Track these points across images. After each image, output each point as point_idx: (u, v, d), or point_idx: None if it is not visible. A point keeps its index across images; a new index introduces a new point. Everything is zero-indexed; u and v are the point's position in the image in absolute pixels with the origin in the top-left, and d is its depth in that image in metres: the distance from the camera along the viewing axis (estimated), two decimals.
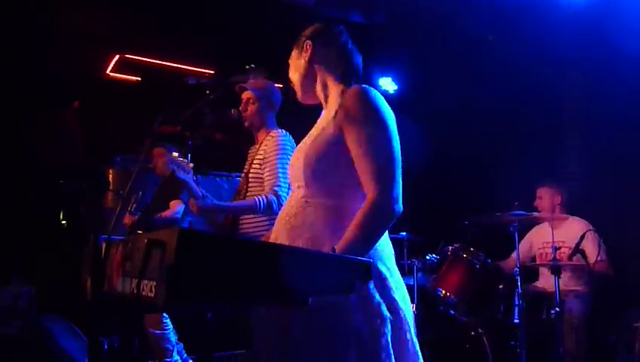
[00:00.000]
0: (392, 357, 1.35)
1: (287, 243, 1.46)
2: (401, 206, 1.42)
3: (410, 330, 1.48)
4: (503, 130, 4.50)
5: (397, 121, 1.52)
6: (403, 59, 4.96)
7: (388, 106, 1.52)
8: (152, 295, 1.02)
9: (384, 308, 1.37)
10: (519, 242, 3.43)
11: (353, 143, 1.44)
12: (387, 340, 1.36)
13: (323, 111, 1.70)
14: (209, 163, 5.33)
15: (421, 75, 4.97)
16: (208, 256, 0.98)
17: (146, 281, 1.06)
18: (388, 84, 5.06)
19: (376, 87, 5.23)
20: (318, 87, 1.67)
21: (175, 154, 2.65)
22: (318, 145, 1.50)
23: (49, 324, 3.59)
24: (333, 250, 1.33)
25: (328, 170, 1.48)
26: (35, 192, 4.73)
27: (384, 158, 1.42)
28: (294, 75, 1.72)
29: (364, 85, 1.55)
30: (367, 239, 1.38)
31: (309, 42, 1.68)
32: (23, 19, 4.31)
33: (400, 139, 1.50)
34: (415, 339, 1.49)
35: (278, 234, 1.53)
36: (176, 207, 3.70)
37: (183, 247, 0.96)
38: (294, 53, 1.73)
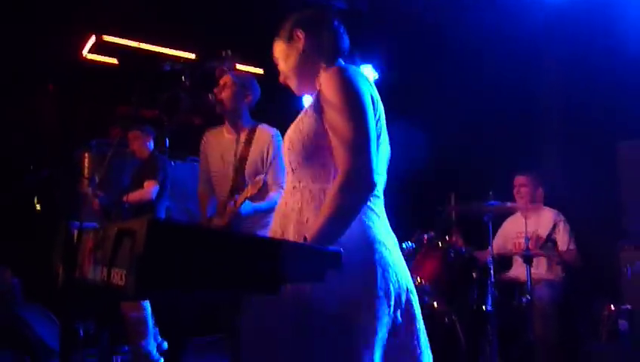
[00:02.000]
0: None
1: (281, 232, 1.47)
2: (377, 177, 1.40)
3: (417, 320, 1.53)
4: (481, 118, 4.55)
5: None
6: (384, 47, 4.95)
7: (365, 81, 1.50)
8: (122, 283, 1.03)
9: (398, 313, 1.44)
10: (494, 232, 3.49)
11: (328, 122, 1.44)
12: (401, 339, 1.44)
13: None
14: (187, 148, 5.29)
15: (402, 63, 4.97)
16: (177, 245, 0.99)
17: (116, 269, 1.06)
18: (369, 71, 5.05)
19: None
20: (311, 79, 1.64)
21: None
22: (300, 129, 1.50)
23: (24, 312, 3.56)
24: (304, 238, 1.32)
25: (311, 153, 1.47)
26: (8, 178, 4.64)
27: (356, 132, 1.39)
28: (286, 67, 1.65)
29: (341, 65, 1.55)
30: (336, 218, 1.35)
31: (301, 31, 1.63)
32: None
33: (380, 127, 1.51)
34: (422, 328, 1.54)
35: (275, 224, 1.53)
36: (151, 187, 3.65)
37: (153, 237, 0.96)
38: (282, 43, 1.65)
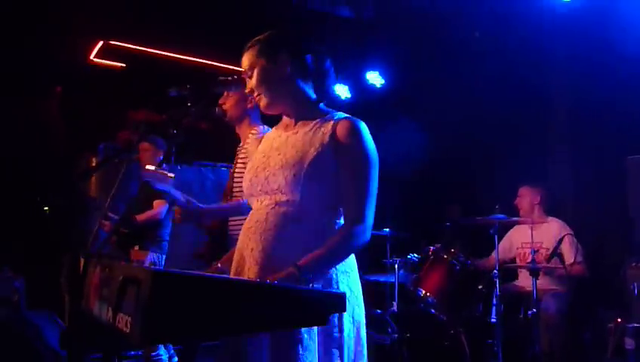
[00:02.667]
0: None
1: (261, 248, 1.53)
2: (370, 235, 1.56)
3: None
4: (489, 128, 4.53)
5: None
6: (391, 54, 4.93)
7: (372, 140, 1.62)
8: (128, 331, 1.03)
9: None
10: (499, 241, 3.48)
11: (346, 172, 1.55)
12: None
13: (290, 124, 1.70)
14: (194, 152, 5.31)
15: (408, 70, 4.96)
16: (182, 295, 0.99)
17: (121, 315, 1.07)
18: (375, 78, 5.04)
19: (364, 81, 5.23)
20: (290, 101, 1.67)
21: (151, 167, 2.58)
22: (303, 157, 1.55)
23: (34, 318, 3.58)
24: (297, 266, 1.39)
25: (308, 182, 1.53)
26: (17, 181, 4.68)
27: (370, 193, 1.55)
28: (262, 86, 1.66)
29: (356, 118, 1.63)
30: (336, 258, 1.52)
31: (287, 56, 1.64)
32: (3, 4, 4.19)
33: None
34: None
35: (247, 241, 1.58)
36: (160, 207, 3.66)
37: (158, 288, 0.97)
38: (261, 59, 1.65)
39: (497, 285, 3.28)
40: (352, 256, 1.61)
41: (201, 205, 2.57)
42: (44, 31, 4.48)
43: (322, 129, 1.60)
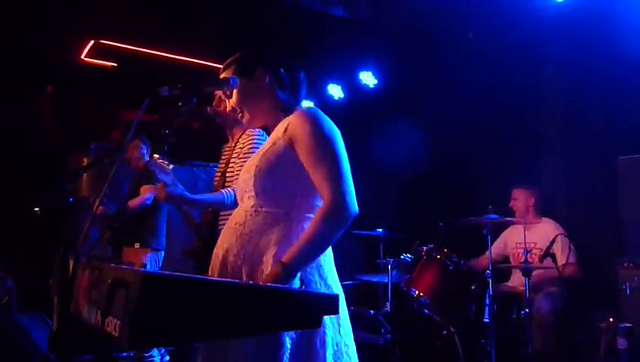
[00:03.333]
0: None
1: (236, 251, 1.55)
2: (356, 206, 1.53)
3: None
4: (482, 128, 4.53)
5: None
6: (384, 54, 4.93)
7: (331, 122, 1.63)
8: (117, 334, 1.01)
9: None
10: (493, 242, 3.48)
11: (305, 157, 1.56)
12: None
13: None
14: (186, 152, 5.28)
15: (402, 70, 4.95)
16: (171, 298, 0.98)
17: (110, 318, 1.05)
18: (368, 78, 5.03)
19: (357, 81, 5.22)
20: (271, 113, 1.73)
21: (156, 156, 2.62)
22: (269, 157, 1.59)
23: (24, 320, 3.54)
24: (280, 263, 1.39)
25: (278, 181, 1.57)
26: (7, 180, 4.63)
27: (335, 169, 1.54)
28: (243, 102, 1.73)
29: (312, 107, 1.67)
30: (320, 242, 1.49)
31: (262, 70, 1.71)
32: None
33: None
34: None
35: (226, 242, 1.59)
36: (147, 193, 3.64)
37: (146, 291, 0.95)
38: (240, 80, 1.71)
39: (490, 285, 3.28)
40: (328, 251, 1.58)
41: (186, 193, 2.56)
42: (35, 30, 4.43)
43: (280, 126, 1.65)
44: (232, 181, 2.76)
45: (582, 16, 3.78)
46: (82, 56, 4.94)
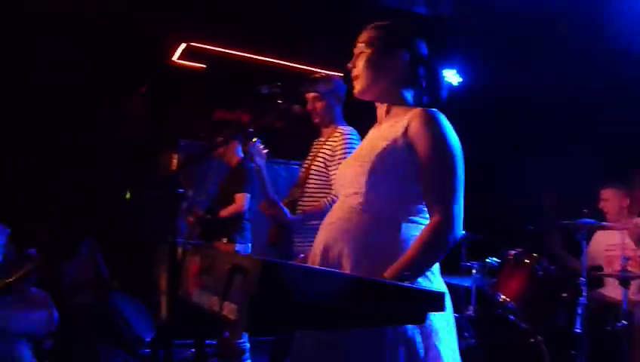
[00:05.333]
0: None
1: (339, 247, 1.52)
2: (462, 229, 1.48)
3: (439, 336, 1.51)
4: (574, 127, 4.30)
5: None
6: (468, 52, 4.80)
7: (453, 131, 1.56)
8: (234, 318, 1.06)
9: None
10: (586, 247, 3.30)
11: (425, 166, 1.49)
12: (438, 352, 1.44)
13: (380, 121, 1.70)
14: (267, 150, 5.42)
15: (487, 68, 4.80)
16: (289, 285, 1.01)
17: (227, 303, 1.10)
18: (452, 76, 4.92)
19: None
20: (384, 95, 1.66)
21: (255, 139, 2.77)
22: (385, 157, 1.53)
23: (119, 301, 3.80)
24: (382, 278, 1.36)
25: (390, 182, 1.52)
26: (104, 172, 4.97)
27: (453, 186, 1.47)
28: (366, 68, 1.64)
29: (435, 110, 1.58)
30: (425, 261, 1.45)
31: (401, 54, 1.63)
32: (96, 8, 4.46)
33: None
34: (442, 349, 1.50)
35: (327, 238, 1.56)
36: (241, 200, 3.77)
37: (266, 277, 0.99)
38: (379, 47, 1.64)
39: (584, 293, 3.11)
40: None
41: (288, 215, 2.65)
42: (130, 34, 4.73)
43: (400, 122, 1.57)
44: (316, 177, 2.80)
45: None
46: (174, 58, 5.21)
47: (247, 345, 3.55)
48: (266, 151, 2.84)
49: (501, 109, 4.67)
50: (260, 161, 2.83)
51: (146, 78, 5.43)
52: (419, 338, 1.39)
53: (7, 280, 1.64)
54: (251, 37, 4.91)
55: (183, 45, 5.05)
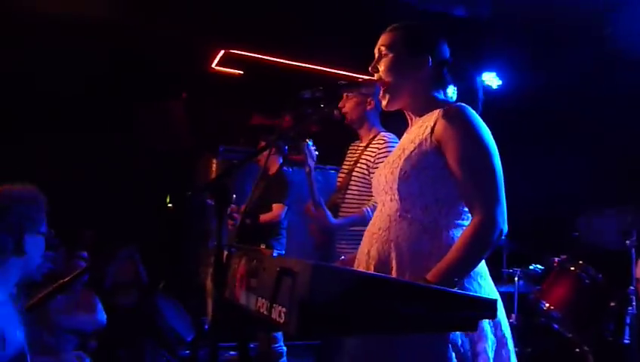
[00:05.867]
0: None
1: (382, 258, 1.50)
2: (506, 227, 1.43)
3: (509, 345, 1.50)
4: (620, 131, 4.16)
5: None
6: (508, 54, 4.71)
7: (484, 124, 1.50)
8: (282, 321, 1.07)
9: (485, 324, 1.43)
10: (638, 257, 3.17)
11: (456, 164, 1.44)
12: (488, 356, 1.41)
13: (411, 125, 1.67)
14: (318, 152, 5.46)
15: (527, 70, 4.70)
16: (338, 290, 1.01)
17: (275, 305, 1.11)
18: (492, 79, 4.85)
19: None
20: (414, 97, 1.62)
21: (307, 140, 2.79)
22: (415, 160, 1.50)
23: (161, 303, 3.89)
24: (425, 279, 1.34)
25: (424, 186, 1.48)
26: (147, 176, 5.10)
27: (489, 181, 1.42)
28: (391, 73, 1.60)
29: (462, 104, 1.52)
30: (468, 262, 1.40)
31: (423, 54, 1.60)
32: (138, 18, 4.60)
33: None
34: (513, 355, 1.51)
35: (370, 248, 1.55)
36: (278, 211, 3.82)
37: (316, 281, 0.99)
38: (404, 50, 1.59)
39: (634, 303, 3.00)
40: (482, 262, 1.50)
41: (331, 219, 2.66)
42: (171, 43, 4.85)
43: (427, 123, 1.53)
44: (358, 182, 2.79)
45: None
46: (213, 65, 5.31)
47: (284, 348, 3.57)
48: (317, 153, 2.86)
49: (542, 111, 4.55)
50: (311, 163, 2.85)
51: (187, 85, 5.56)
52: (467, 345, 1.37)
53: (61, 281, 1.71)
54: (288, 43, 4.96)
55: (222, 52, 5.14)
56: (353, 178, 2.82)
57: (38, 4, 4.16)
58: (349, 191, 2.82)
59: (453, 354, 1.34)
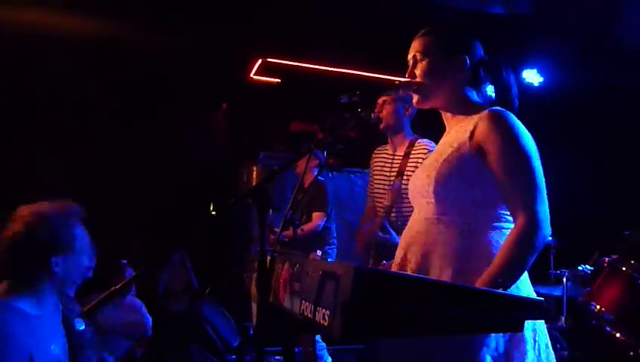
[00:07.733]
0: None
1: (418, 261, 1.50)
2: (550, 229, 1.42)
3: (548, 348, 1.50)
4: None
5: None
6: (549, 51, 4.61)
7: (525, 128, 1.50)
8: (326, 324, 1.10)
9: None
10: None
11: (498, 168, 1.44)
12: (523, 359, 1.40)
13: (447, 124, 1.67)
14: (343, 159, 5.48)
15: (569, 67, 4.58)
16: (381, 293, 1.03)
17: (319, 308, 1.14)
18: (533, 76, 4.75)
19: (521, 79, 4.94)
20: (446, 102, 1.62)
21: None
22: (452, 164, 1.50)
23: (207, 308, 3.98)
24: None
25: (461, 188, 1.48)
26: (190, 186, 5.24)
27: (531, 184, 1.42)
28: (427, 77, 1.60)
29: (501, 108, 1.53)
30: (516, 265, 1.39)
31: (463, 58, 1.60)
32: (178, 31, 4.74)
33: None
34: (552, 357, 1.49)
35: (407, 251, 1.55)
36: (319, 220, 3.84)
37: (359, 284, 1.02)
38: (439, 54, 1.60)
39: None
40: None
41: (379, 233, 2.65)
42: (211, 54, 4.98)
43: (466, 127, 1.53)
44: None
45: None
46: (251, 75, 5.42)
47: (325, 351, 3.59)
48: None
49: (583, 112, 4.42)
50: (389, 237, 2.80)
51: (226, 95, 5.69)
52: (502, 347, 1.37)
53: (111, 289, 1.79)
54: (324, 48, 5.00)
55: (260, 61, 5.23)
56: (404, 191, 2.76)
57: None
58: (404, 206, 2.75)
59: (488, 356, 1.32)
